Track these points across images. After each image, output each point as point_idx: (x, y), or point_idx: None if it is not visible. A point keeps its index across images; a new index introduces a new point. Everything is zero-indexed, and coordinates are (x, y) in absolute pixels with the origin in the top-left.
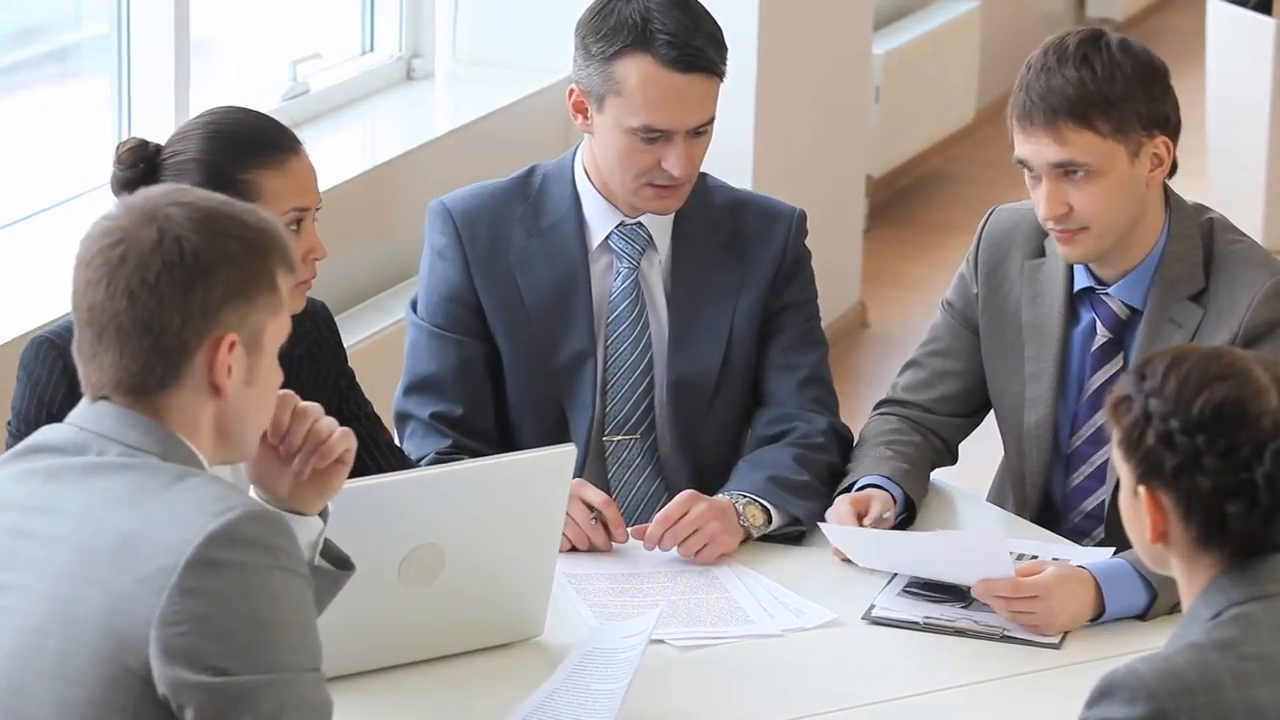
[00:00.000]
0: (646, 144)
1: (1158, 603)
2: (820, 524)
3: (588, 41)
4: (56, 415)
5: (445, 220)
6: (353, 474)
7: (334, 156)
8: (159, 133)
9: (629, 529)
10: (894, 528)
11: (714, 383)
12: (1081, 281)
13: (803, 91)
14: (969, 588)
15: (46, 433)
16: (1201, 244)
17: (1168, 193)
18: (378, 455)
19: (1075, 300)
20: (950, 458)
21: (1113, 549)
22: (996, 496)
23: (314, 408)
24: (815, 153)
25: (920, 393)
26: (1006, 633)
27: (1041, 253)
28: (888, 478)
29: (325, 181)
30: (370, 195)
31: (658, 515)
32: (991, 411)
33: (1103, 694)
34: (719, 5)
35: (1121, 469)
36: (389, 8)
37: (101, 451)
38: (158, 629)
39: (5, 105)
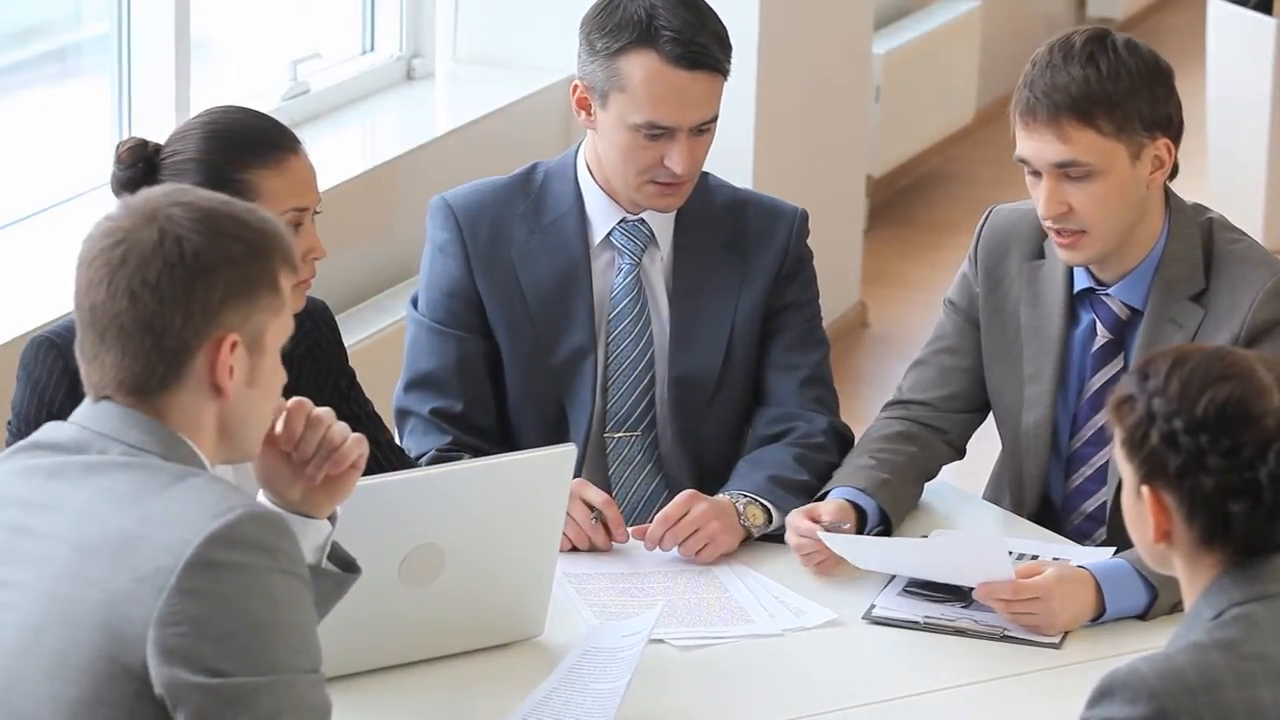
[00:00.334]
0: (649, 141)
1: (1158, 602)
2: (820, 534)
3: (592, 37)
4: (57, 415)
5: (447, 216)
6: None
7: (334, 156)
8: (159, 133)
9: (629, 529)
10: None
11: (715, 381)
12: (1081, 282)
13: (803, 91)
14: (970, 589)
15: (50, 430)
16: (1201, 244)
17: (1168, 193)
18: (378, 455)
19: (1075, 301)
20: (957, 454)
21: (1113, 549)
22: (993, 494)
23: (326, 414)
24: (815, 153)
25: (928, 391)
26: (1007, 633)
27: (1041, 254)
28: (860, 489)
29: (325, 181)
30: (370, 195)
31: (658, 515)
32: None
33: (1104, 694)
34: (719, 5)
35: (1124, 469)
36: (389, 8)
37: (103, 451)
38: (156, 629)
39: (5, 105)
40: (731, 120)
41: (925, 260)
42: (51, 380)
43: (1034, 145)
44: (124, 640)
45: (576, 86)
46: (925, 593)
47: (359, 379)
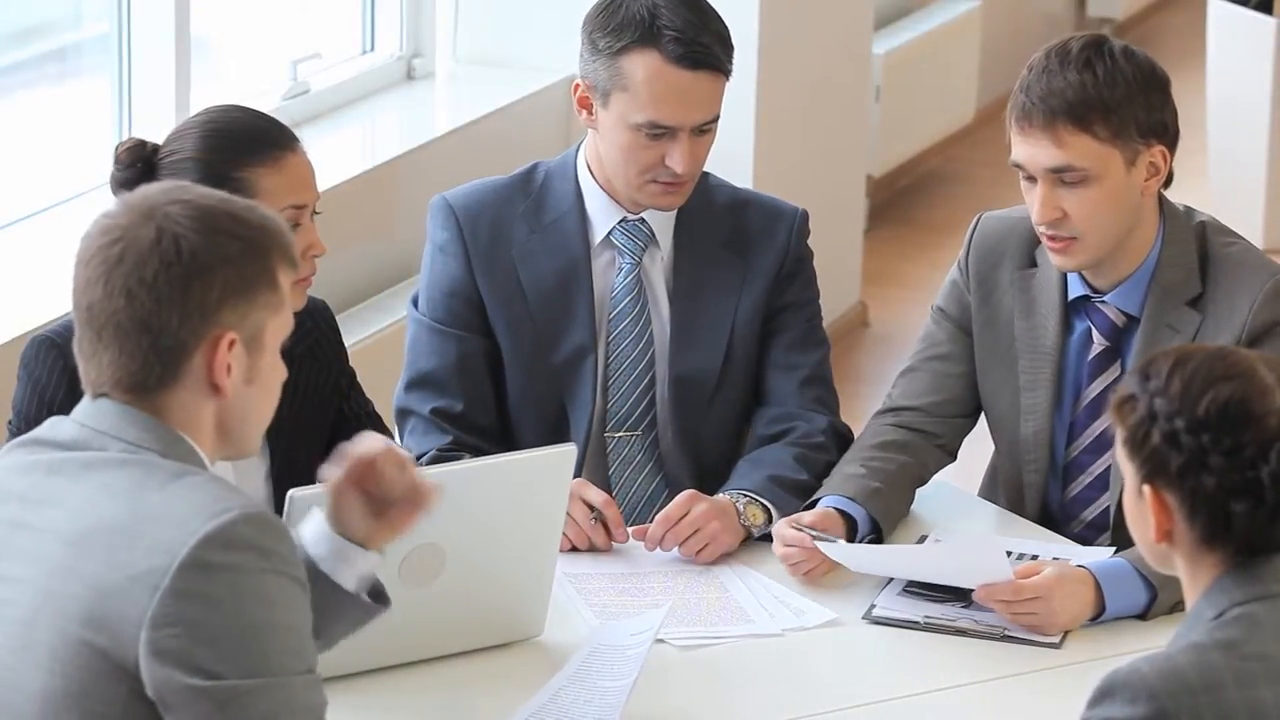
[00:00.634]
0: (651, 140)
1: (1158, 602)
2: (818, 543)
3: (595, 36)
4: (57, 414)
5: (447, 215)
6: None
7: (334, 156)
8: (159, 133)
9: (629, 529)
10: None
11: (715, 380)
12: (1076, 290)
13: (803, 91)
14: (970, 590)
15: (51, 426)
16: (1196, 248)
17: (1162, 200)
18: None
19: (1070, 309)
20: (950, 458)
21: (1113, 548)
22: (988, 493)
23: (408, 458)
24: (815, 153)
25: (921, 397)
26: (1007, 632)
27: (1033, 263)
28: (850, 498)
29: (325, 181)
30: (370, 195)
31: (659, 515)
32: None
33: (1105, 693)
34: (719, 5)
35: (1125, 468)
36: (389, 7)
37: (102, 448)
38: (149, 630)
39: (5, 105)
40: (731, 120)
41: (925, 260)
42: (52, 380)
43: (1029, 150)
44: (117, 637)
45: (578, 85)
46: (925, 593)
47: (359, 379)
